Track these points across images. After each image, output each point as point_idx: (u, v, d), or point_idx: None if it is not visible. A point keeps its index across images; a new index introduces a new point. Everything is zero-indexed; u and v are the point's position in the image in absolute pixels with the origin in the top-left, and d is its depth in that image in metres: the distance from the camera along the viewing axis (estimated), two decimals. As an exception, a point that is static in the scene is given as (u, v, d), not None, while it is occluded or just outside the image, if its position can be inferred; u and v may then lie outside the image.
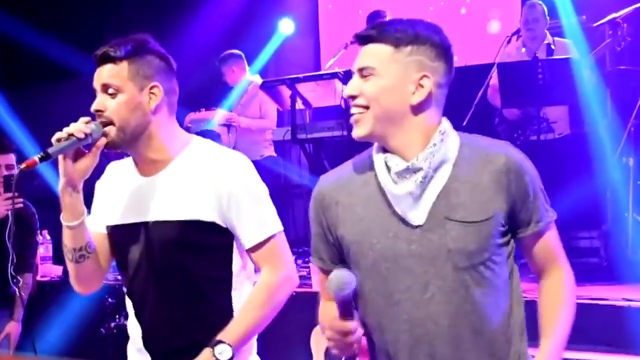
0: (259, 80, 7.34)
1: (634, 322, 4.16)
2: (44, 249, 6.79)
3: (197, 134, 5.03)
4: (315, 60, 8.87)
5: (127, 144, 2.36)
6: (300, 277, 5.72)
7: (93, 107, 2.35)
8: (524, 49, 6.22)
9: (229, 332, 2.35)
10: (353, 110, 2.02)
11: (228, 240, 2.42)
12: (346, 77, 6.11)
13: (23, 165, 2.21)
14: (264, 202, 2.46)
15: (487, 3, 7.92)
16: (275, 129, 7.26)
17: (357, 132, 2.01)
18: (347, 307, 1.93)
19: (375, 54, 1.99)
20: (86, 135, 2.27)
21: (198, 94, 7.82)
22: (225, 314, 2.40)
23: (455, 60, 2.10)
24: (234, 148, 6.77)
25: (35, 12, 9.21)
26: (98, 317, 5.86)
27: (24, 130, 8.52)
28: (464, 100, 6.12)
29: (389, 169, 2.02)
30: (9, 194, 4.33)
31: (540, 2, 6.20)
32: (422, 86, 1.99)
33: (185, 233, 2.36)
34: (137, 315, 2.48)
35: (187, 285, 2.39)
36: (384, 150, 2.05)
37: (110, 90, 2.34)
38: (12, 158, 4.53)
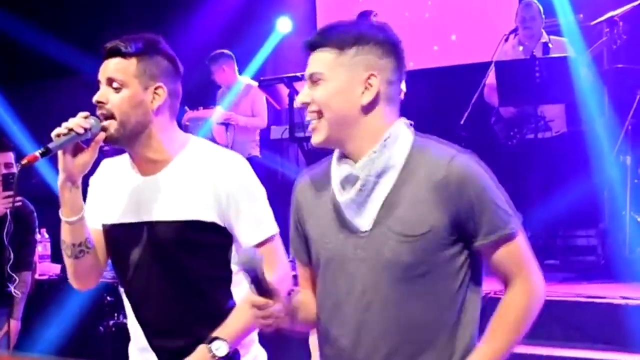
0: (251, 81, 7.43)
1: (632, 320, 4.17)
2: (42, 248, 6.78)
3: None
4: (313, 59, 8.86)
5: (126, 140, 2.35)
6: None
7: (95, 98, 2.35)
8: (521, 47, 6.23)
9: (225, 329, 2.36)
10: (308, 117, 2.03)
11: (227, 239, 2.44)
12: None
13: (24, 161, 2.21)
14: (262, 203, 2.47)
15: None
16: (273, 127, 7.27)
17: (314, 140, 2.04)
18: (258, 284, 1.92)
19: (322, 59, 2.00)
20: (85, 130, 2.26)
21: (196, 92, 7.83)
22: (226, 311, 2.42)
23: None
24: (231, 147, 6.88)
25: (34, 11, 9.22)
26: (97, 315, 5.86)
27: (22, 129, 8.52)
28: (462, 99, 6.14)
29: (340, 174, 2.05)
30: (8, 192, 4.33)
31: (536, 1, 6.22)
32: (370, 85, 1.98)
33: (186, 233, 2.37)
34: (136, 314, 2.48)
35: (188, 284, 2.40)
36: (343, 155, 2.06)
37: (115, 85, 2.34)
38: (10, 156, 4.54)
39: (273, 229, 2.48)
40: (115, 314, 5.67)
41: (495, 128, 6.20)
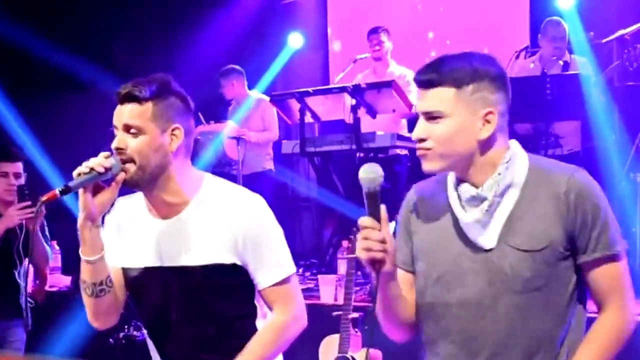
0: (262, 96, 7.52)
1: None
2: (53, 260, 6.82)
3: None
4: (324, 74, 8.91)
5: (145, 183, 2.35)
6: (308, 289, 5.77)
7: (114, 145, 2.34)
8: (532, 65, 6.24)
9: (247, 355, 2.41)
10: (419, 153, 2.09)
11: (249, 278, 2.46)
12: (354, 91, 6.15)
13: (44, 198, 2.23)
14: (279, 244, 2.48)
15: (494, 18, 7.95)
16: (284, 142, 7.31)
17: (426, 167, 2.10)
18: (372, 203, 1.97)
19: (440, 97, 2.03)
20: (106, 169, 2.27)
21: (207, 106, 7.87)
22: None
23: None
24: (243, 161, 6.91)
25: (48, 23, 9.28)
26: (107, 328, 5.88)
27: (32, 140, 8.56)
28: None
29: (459, 195, 2.11)
30: (25, 203, 4.37)
31: (562, 20, 6.23)
32: (488, 122, 2.04)
33: (208, 277, 2.39)
34: (161, 353, 2.50)
35: (213, 324, 2.44)
36: (460, 179, 2.13)
37: (132, 130, 2.33)
38: (19, 166, 4.56)
39: (290, 269, 2.49)
40: (126, 327, 5.68)
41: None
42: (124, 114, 2.35)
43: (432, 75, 2.04)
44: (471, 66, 2.04)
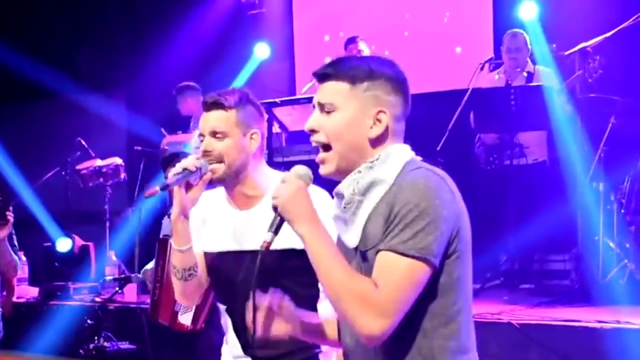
0: None
1: (606, 344, 4.24)
2: (21, 271, 6.77)
3: (175, 154, 5.17)
4: (291, 85, 8.94)
5: (230, 179, 2.70)
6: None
7: (202, 148, 2.67)
8: (497, 76, 6.34)
9: None
10: (314, 144, 2.10)
11: None
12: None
13: (147, 194, 2.57)
14: None
15: (457, 28, 8.05)
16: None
17: (323, 171, 2.10)
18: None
19: (334, 89, 2.06)
20: (197, 169, 2.60)
21: (175, 117, 7.88)
22: None
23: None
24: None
25: (10, 31, 9.22)
26: (77, 339, 5.86)
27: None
28: (438, 125, 6.22)
29: None
30: None
31: (522, 31, 6.32)
32: (379, 121, 2.05)
33: (282, 260, 2.60)
34: (236, 329, 2.78)
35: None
36: None
37: (219, 135, 2.67)
38: None
39: None
40: (95, 338, 5.68)
41: (477, 153, 6.31)
42: (210, 120, 2.70)
43: (328, 70, 2.09)
44: (368, 66, 2.07)
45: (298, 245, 2.45)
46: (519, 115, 5.69)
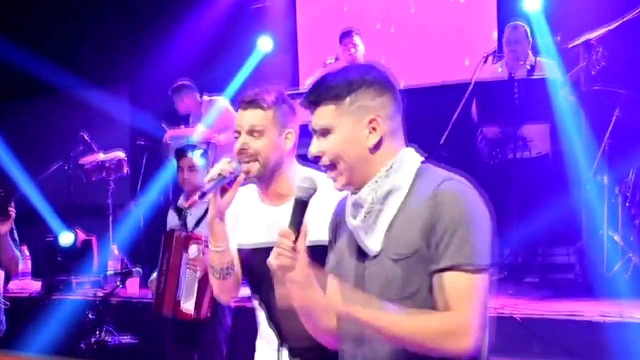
0: (215, 98, 7.63)
1: (609, 337, 4.23)
2: (24, 265, 6.76)
3: (187, 147, 5.16)
4: (294, 78, 8.92)
5: (265, 177, 2.74)
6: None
7: (239, 146, 2.70)
8: (500, 69, 6.31)
9: None
10: (323, 168, 2.18)
11: None
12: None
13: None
14: None
15: (463, 22, 8.01)
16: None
17: (338, 186, 2.17)
18: (302, 211, 2.13)
19: (324, 113, 2.13)
20: (231, 173, 2.66)
21: (177, 111, 7.86)
22: None
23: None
24: (213, 164, 6.90)
25: (14, 28, 9.21)
26: (79, 333, 5.85)
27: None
28: (442, 118, 6.20)
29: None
30: None
31: (523, 24, 6.28)
32: (374, 129, 2.11)
33: (311, 253, 2.52)
34: (272, 320, 2.82)
35: None
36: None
37: (256, 134, 2.70)
38: None
39: None
40: (97, 332, 5.67)
41: (480, 147, 6.28)
42: (247, 118, 2.72)
43: (312, 97, 2.16)
44: (346, 80, 2.13)
45: (326, 238, 2.52)
46: (523, 108, 5.65)
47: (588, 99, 5.70)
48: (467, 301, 1.97)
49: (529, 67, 6.18)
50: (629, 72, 6.32)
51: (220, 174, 2.65)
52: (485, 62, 6.35)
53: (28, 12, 9.88)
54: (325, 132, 2.13)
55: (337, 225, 2.31)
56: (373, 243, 2.10)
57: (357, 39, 7.12)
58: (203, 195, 2.63)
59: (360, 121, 2.10)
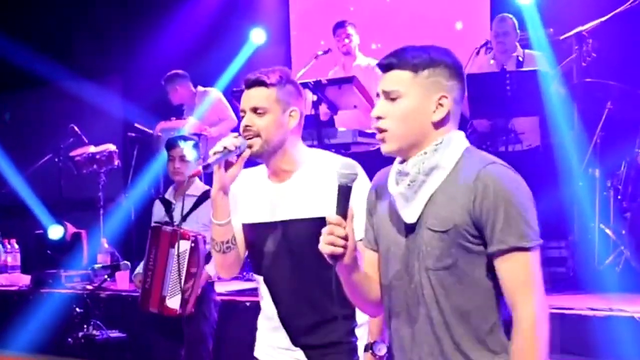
0: (208, 89, 7.63)
1: (599, 331, 4.21)
2: (12, 258, 6.74)
3: (179, 137, 5.13)
4: (287, 70, 8.88)
5: (268, 155, 2.80)
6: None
7: (243, 123, 2.77)
8: (492, 61, 6.28)
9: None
10: (375, 130, 2.26)
11: None
12: (316, 87, 6.11)
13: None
14: None
15: (456, 14, 7.98)
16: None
17: (385, 149, 2.25)
18: (346, 197, 2.15)
19: (399, 78, 2.21)
20: (236, 147, 2.71)
21: (168, 102, 7.83)
22: None
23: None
24: (204, 156, 6.87)
25: (6, 20, 9.17)
26: (66, 327, 5.82)
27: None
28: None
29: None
30: None
31: (511, 16, 6.25)
32: (441, 105, 2.21)
33: (315, 228, 2.57)
34: (274, 298, 2.87)
35: (318, 271, 2.67)
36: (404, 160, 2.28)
37: (260, 111, 2.77)
38: None
39: None
40: (85, 326, 5.63)
41: (470, 140, 6.22)
42: (252, 96, 2.79)
43: (391, 60, 2.22)
44: (428, 54, 2.21)
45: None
46: (514, 101, 5.62)
47: (579, 91, 5.69)
48: (533, 279, 2.10)
49: (520, 59, 6.15)
50: (621, 65, 6.29)
51: (225, 147, 2.70)
52: (477, 54, 6.33)
53: (19, 4, 9.84)
54: (395, 95, 2.20)
55: (377, 194, 2.37)
56: (411, 211, 2.19)
57: (350, 29, 7.07)
58: (207, 166, 2.67)
59: (430, 96, 2.19)
